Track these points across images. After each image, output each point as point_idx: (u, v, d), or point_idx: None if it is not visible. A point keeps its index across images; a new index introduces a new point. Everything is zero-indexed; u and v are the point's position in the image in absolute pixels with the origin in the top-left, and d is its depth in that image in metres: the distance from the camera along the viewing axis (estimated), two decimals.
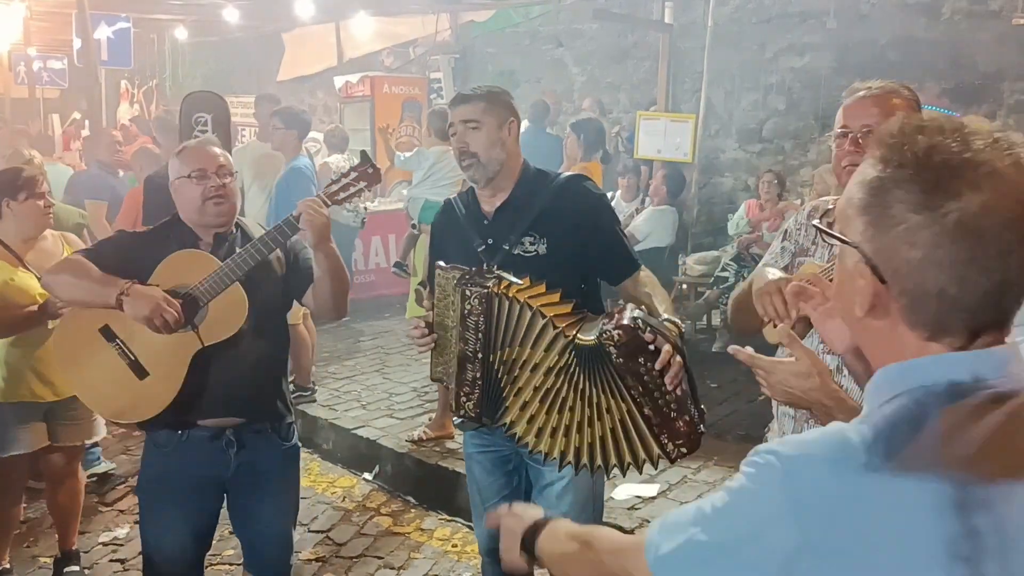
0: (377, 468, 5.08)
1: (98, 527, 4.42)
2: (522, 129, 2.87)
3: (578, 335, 2.26)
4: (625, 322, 2.19)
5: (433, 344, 2.55)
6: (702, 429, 2.27)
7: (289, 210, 2.73)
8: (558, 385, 2.29)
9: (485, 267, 2.50)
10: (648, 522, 4.03)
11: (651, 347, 2.17)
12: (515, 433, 2.40)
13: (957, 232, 0.98)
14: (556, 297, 2.36)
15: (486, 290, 2.35)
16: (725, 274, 7.04)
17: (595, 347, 2.20)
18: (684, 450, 2.25)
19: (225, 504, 2.91)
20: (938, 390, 1.03)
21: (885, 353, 1.10)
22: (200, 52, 15.16)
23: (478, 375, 2.41)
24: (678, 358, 2.18)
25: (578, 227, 2.64)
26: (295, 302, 2.94)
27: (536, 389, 2.33)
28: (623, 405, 2.22)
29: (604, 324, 2.22)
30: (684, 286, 7.71)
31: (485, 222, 2.71)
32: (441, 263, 2.52)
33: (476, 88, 2.75)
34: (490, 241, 2.66)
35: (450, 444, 5.00)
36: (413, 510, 4.64)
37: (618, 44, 10.08)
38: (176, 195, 2.79)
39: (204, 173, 2.71)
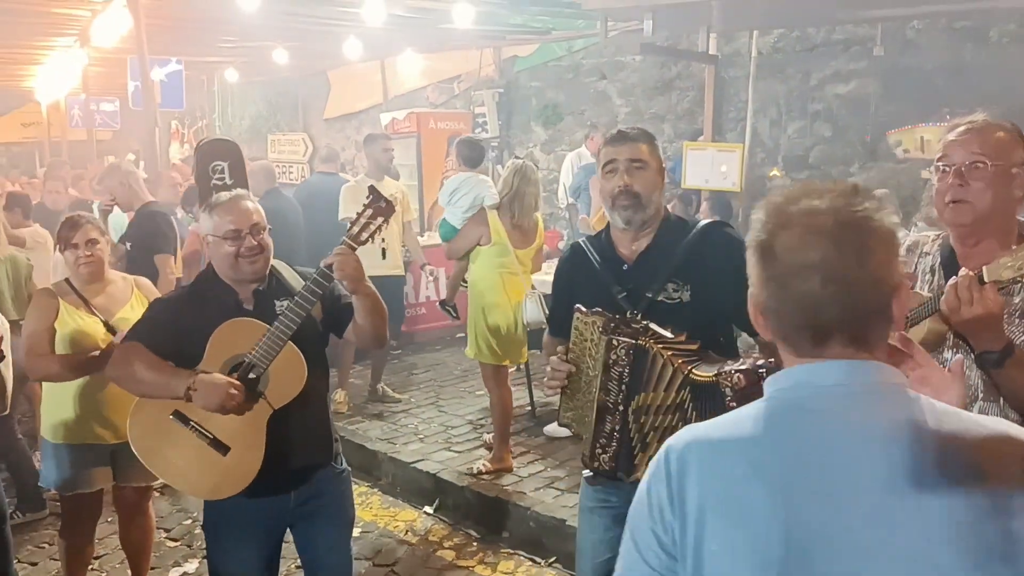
0: (438, 501, 5.12)
1: (168, 562, 4.51)
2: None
3: (693, 371, 2.21)
4: (747, 367, 2.11)
5: (564, 387, 2.49)
6: None
7: None
8: (673, 423, 2.24)
9: (628, 314, 2.43)
10: None
11: None
12: None
13: (757, 254, 1.28)
14: (695, 347, 2.28)
15: (635, 342, 2.28)
16: None
17: (710, 384, 2.15)
18: None
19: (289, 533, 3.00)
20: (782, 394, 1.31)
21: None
22: (248, 92, 15.50)
23: (616, 428, 2.34)
24: None
25: (721, 274, 2.48)
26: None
27: (655, 429, 2.28)
28: None
29: (728, 364, 2.15)
30: None
31: (624, 267, 2.63)
32: (581, 307, 2.45)
33: (636, 129, 2.70)
34: (631, 287, 2.57)
35: (509, 477, 5.03)
36: (476, 543, 4.67)
37: (661, 75, 10.15)
38: (210, 251, 2.83)
39: (238, 234, 2.75)
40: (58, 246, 3.71)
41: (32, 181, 12.19)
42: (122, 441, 3.64)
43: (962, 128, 2.17)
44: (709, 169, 8.20)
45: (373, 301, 2.78)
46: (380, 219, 2.77)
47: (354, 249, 2.71)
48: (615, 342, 2.31)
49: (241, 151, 5.44)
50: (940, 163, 2.18)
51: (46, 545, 4.62)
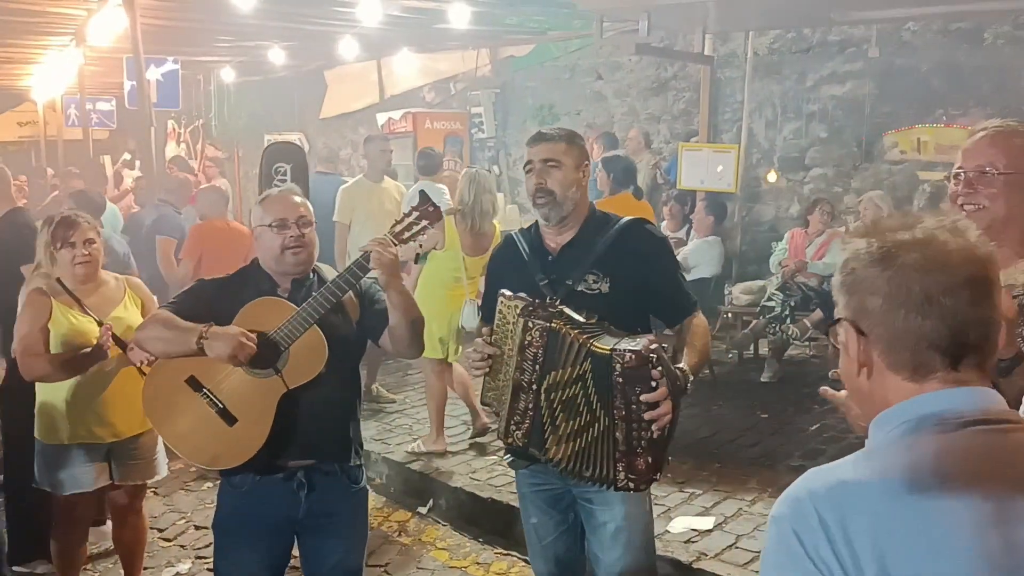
0: (431, 502, 5.13)
1: (161, 562, 4.50)
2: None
3: (593, 343, 2.38)
4: (639, 348, 2.30)
5: (488, 368, 2.61)
6: (656, 477, 2.42)
7: None
8: (575, 392, 2.41)
9: (548, 300, 2.56)
10: (705, 555, 4.03)
11: (653, 383, 2.29)
12: (555, 460, 2.48)
13: (895, 280, 1.23)
14: (593, 321, 2.47)
15: (549, 325, 2.42)
16: (771, 303, 7.02)
17: (607, 357, 2.33)
18: (631, 486, 2.40)
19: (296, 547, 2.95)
20: (928, 423, 1.22)
21: (879, 407, 1.29)
22: (245, 91, 15.46)
23: (530, 406, 2.49)
24: (669, 403, 2.31)
25: (640, 268, 2.70)
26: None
27: (562, 403, 2.43)
28: (604, 421, 2.36)
29: (622, 342, 2.35)
30: (730, 315, 7.70)
31: (549, 258, 2.76)
32: (506, 291, 2.59)
33: (556, 129, 2.83)
34: (554, 276, 2.71)
35: (503, 478, 5.03)
36: (469, 544, 4.67)
37: (657, 76, 10.15)
38: (256, 242, 2.87)
39: (285, 223, 2.78)
40: (54, 244, 3.67)
41: (16, 181, 12.14)
42: (119, 439, 3.66)
43: (979, 135, 2.13)
44: (705, 170, 8.22)
45: (407, 299, 2.79)
46: (425, 222, 2.82)
47: (394, 244, 2.75)
48: (530, 324, 2.46)
49: (305, 155, 5.53)
50: (956, 170, 2.15)
51: None
